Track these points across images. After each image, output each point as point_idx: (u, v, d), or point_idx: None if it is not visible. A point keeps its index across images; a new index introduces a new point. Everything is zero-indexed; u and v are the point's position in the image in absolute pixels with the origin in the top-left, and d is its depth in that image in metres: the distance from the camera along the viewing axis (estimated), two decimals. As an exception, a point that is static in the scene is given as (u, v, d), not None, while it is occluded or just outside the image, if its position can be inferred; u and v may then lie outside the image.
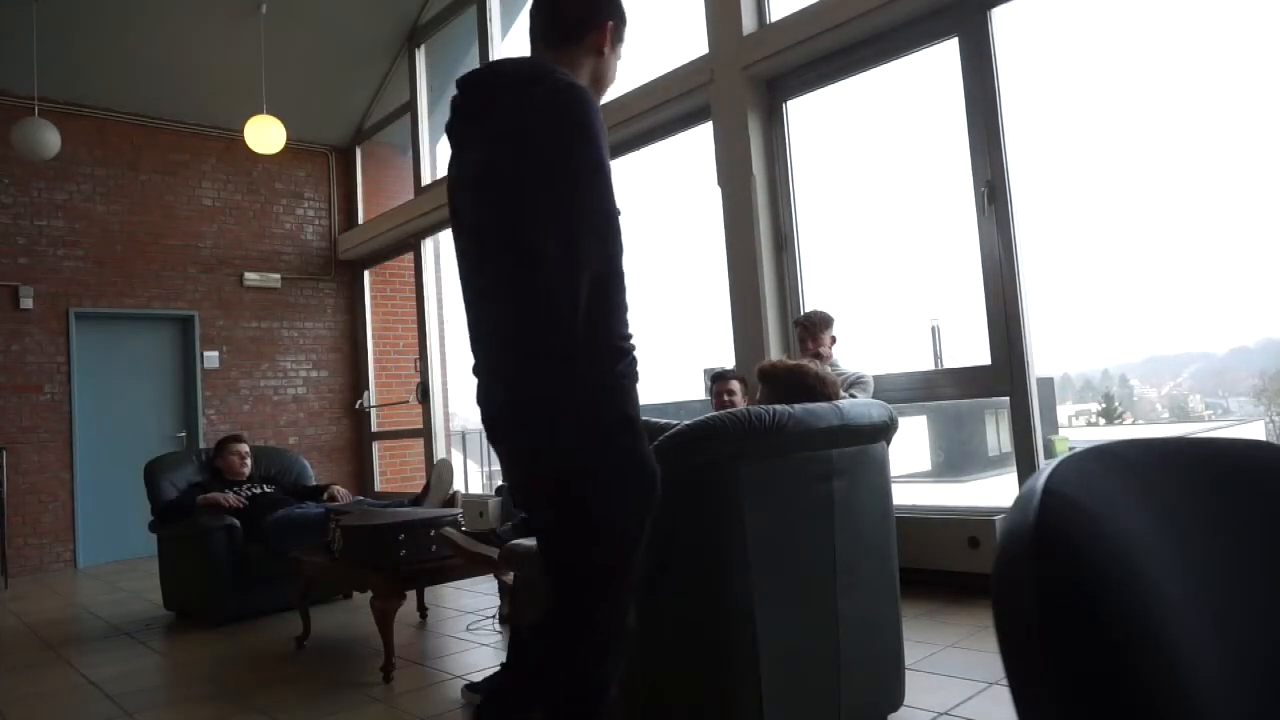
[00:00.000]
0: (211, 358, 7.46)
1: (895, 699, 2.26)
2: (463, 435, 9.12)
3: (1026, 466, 3.71)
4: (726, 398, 4.02)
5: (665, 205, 6.62)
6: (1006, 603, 0.49)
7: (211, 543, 4.13)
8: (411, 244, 7.72)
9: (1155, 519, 0.53)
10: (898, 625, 2.28)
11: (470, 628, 3.79)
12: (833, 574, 2.05)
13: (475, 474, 9.40)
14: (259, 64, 6.65)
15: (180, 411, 7.40)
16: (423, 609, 4.08)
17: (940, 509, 3.93)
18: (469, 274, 1.58)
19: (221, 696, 3.03)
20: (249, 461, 4.70)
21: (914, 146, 4.58)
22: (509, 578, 3.02)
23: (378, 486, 8.15)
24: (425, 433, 7.64)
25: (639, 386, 1.59)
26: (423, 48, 7.62)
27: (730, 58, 4.70)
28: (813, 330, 3.94)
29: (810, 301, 4.58)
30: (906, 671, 2.33)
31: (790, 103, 4.72)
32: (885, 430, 2.25)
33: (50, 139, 5.78)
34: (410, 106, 7.67)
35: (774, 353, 4.54)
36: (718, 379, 4.16)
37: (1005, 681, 0.49)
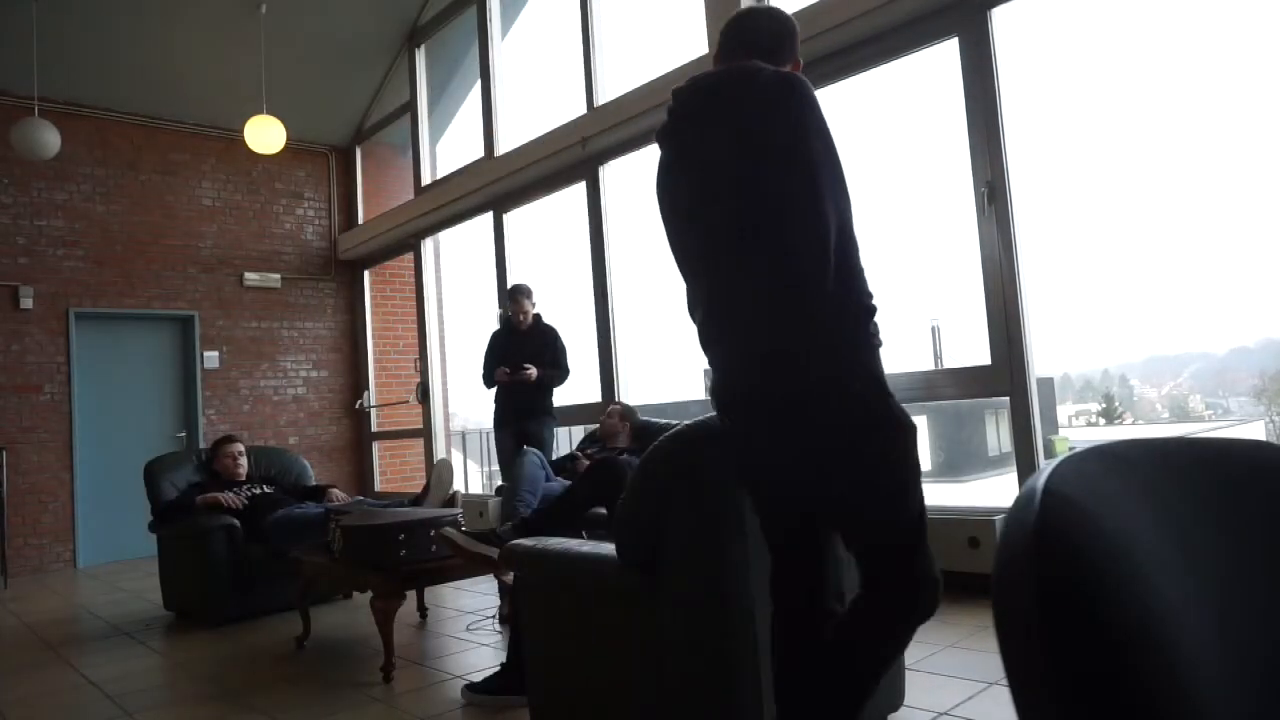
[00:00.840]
0: (211, 358, 7.46)
1: (895, 699, 2.26)
2: (463, 435, 9.13)
3: (1026, 466, 3.71)
4: None
5: (665, 205, 6.61)
6: (1006, 603, 0.49)
7: (211, 543, 4.13)
8: (411, 244, 7.72)
9: (1155, 519, 0.53)
10: (898, 625, 2.28)
11: (470, 628, 3.79)
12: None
13: (475, 474, 9.41)
14: (259, 64, 6.66)
15: (180, 411, 7.41)
16: (423, 609, 4.08)
17: (940, 509, 3.93)
18: (713, 252, 1.64)
19: (221, 696, 3.03)
20: (244, 461, 4.70)
21: (914, 147, 4.58)
22: (509, 578, 3.02)
23: (378, 486, 8.15)
24: (425, 433, 7.64)
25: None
26: (423, 48, 7.62)
27: (730, 58, 4.69)
28: None
29: (810, 301, 4.57)
30: (906, 671, 2.33)
31: (790, 103, 4.72)
32: (885, 430, 2.24)
33: (50, 139, 5.78)
34: (410, 106, 7.67)
35: (774, 353, 4.54)
36: (717, 379, 4.15)
37: (1005, 681, 0.49)
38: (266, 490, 4.56)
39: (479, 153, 6.78)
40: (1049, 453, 4.04)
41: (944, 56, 4.09)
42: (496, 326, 5.47)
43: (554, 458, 4.66)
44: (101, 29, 6.45)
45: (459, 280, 8.07)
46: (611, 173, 5.84)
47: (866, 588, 1.62)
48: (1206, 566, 0.54)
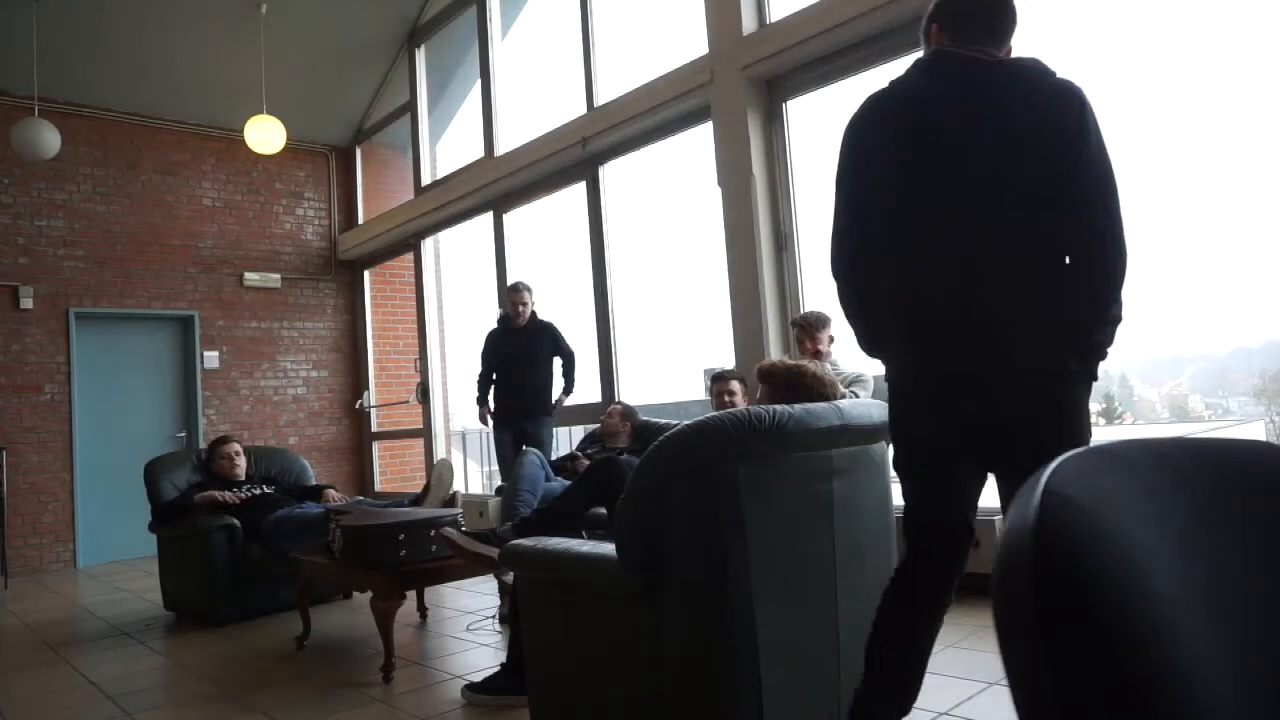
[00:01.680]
0: (211, 358, 7.46)
1: (895, 699, 2.26)
2: (463, 435, 9.12)
3: (1026, 466, 3.69)
4: (727, 398, 4.01)
5: (665, 205, 6.62)
6: (1006, 603, 0.49)
7: (211, 543, 4.13)
8: (411, 244, 7.72)
9: (1155, 519, 0.53)
10: (898, 625, 2.28)
11: (470, 628, 3.79)
12: (833, 574, 2.05)
13: (475, 474, 9.40)
14: (259, 64, 6.65)
15: (180, 411, 7.40)
16: (423, 609, 4.08)
17: (940, 509, 3.92)
18: (1040, 220, 1.69)
19: (221, 696, 3.03)
20: (242, 461, 4.70)
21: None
22: (509, 578, 3.02)
23: (378, 486, 8.15)
24: (425, 433, 7.64)
25: None
26: (423, 48, 7.62)
27: (730, 58, 4.70)
28: (810, 330, 3.93)
29: (810, 301, 4.58)
30: (906, 671, 2.33)
31: (790, 103, 4.72)
32: (885, 430, 2.25)
33: (50, 139, 5.78)
34: (410, 106, 7.67)
35: (774, 353, 4.54)
36: (718, 379, 4.15)
37: (1005, 681, 0.49)
38: (266, 490, 4.56)
39: (479, 153, 6.78)
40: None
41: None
42: (494, 326, 5.47)
43: (553, 458, 4.66)
44: (101, 29, 6.45)
45: (459, 280, 8.08)
46: (611, 173, 5.84)
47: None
48: (1206, 566, 0.54)
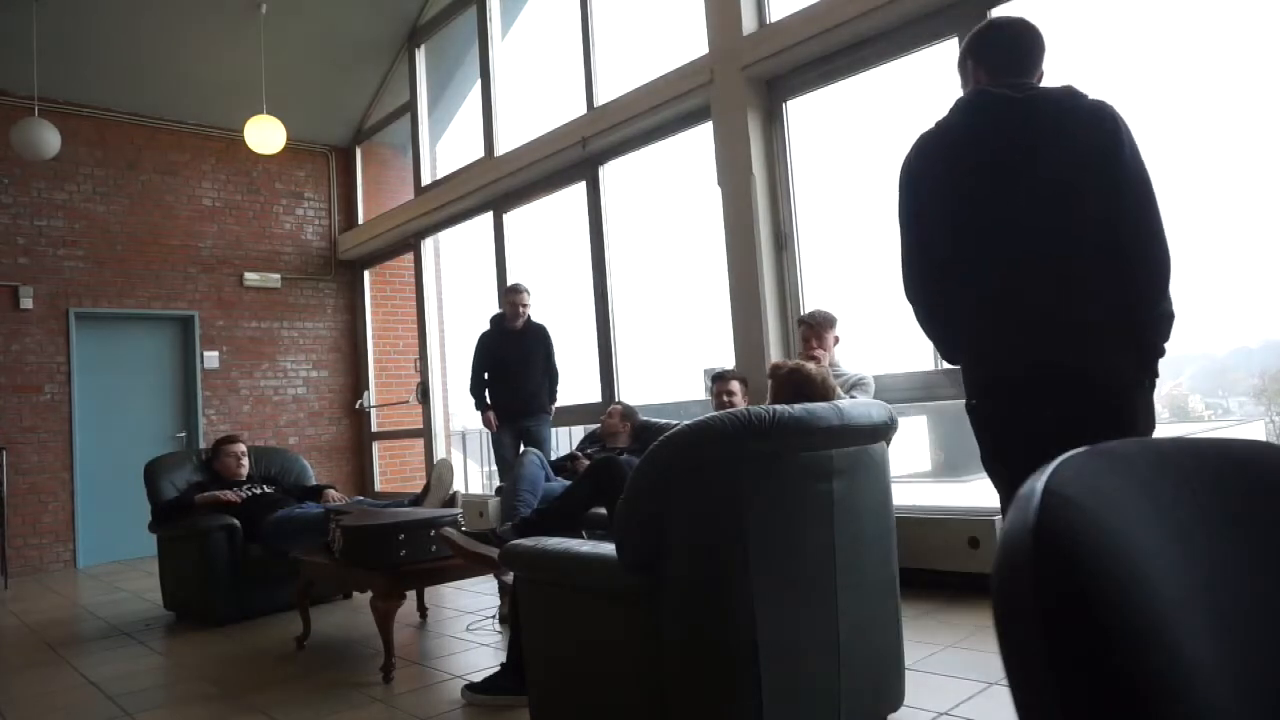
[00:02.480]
0: (211, 358, 7.46)
1: (895, 699, 2.26)
2: (463, 435, 9.12)
3: (1026, 466, 3.70)
4: (726, 398, 4.02)
5: (665, 205, 6.62)
6: (1006, 603, 0.49)
7: (211, 543, 4.13)
8: (411, 244, 7.72)
9: (1155, 519, 0.53)
10: (898, 625, 2.28)
11: (470, 628, 3.79)
12: (833, 574, 2.05)
13: (475, 474, 9.40)
14: (259, 64, 6.65)
15: (180, 411, 7.40)
16: (423, 609, 4.08)
17: (940, 509, 3.93)
18: (1090, 228, 1.84)
19: (221, 696, 3.03)
20: (246, 462, 4.70)
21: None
22: (509, 578, 3.02)
23: (378, 486, 8.15)
24: (425, 433, 7.64)
25: None
26: (423, 48, 7.62)
27: (730, 58, 4.70)
28: (817, 329, 3.93)
29: (810, 301, 4.58)
30: (906, 671, 2.33)
31: (790, 103, 4.72)
32: (885, 430, 2.25)
33: (50, 139, 5.78)
34: (410, 106, 7.67)
35: (774, 352, 4.54)
36: (718, 379, 4.15)
37: (1005, 681, 0.49)
38: (266, 490, 4.56)
39: (479, 153, 6.78)
40: (1049, 453, 4.02)
41: (944, 56, 4.09)
42: (485, 329, 5.43)
43: (553, 457, 4.66)
44: (101, 29, 6.45)
45: (459, 280, 8.08)
46: (611, 173, 5.84)
47: None
48: (1207, 566, 0.54)
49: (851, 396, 3.64)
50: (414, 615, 4.04)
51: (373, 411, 8.27)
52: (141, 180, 7.26)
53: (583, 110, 5.80)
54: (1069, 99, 1.89)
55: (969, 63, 2.05)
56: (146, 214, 7.26)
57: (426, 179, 7.52)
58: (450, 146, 7.88)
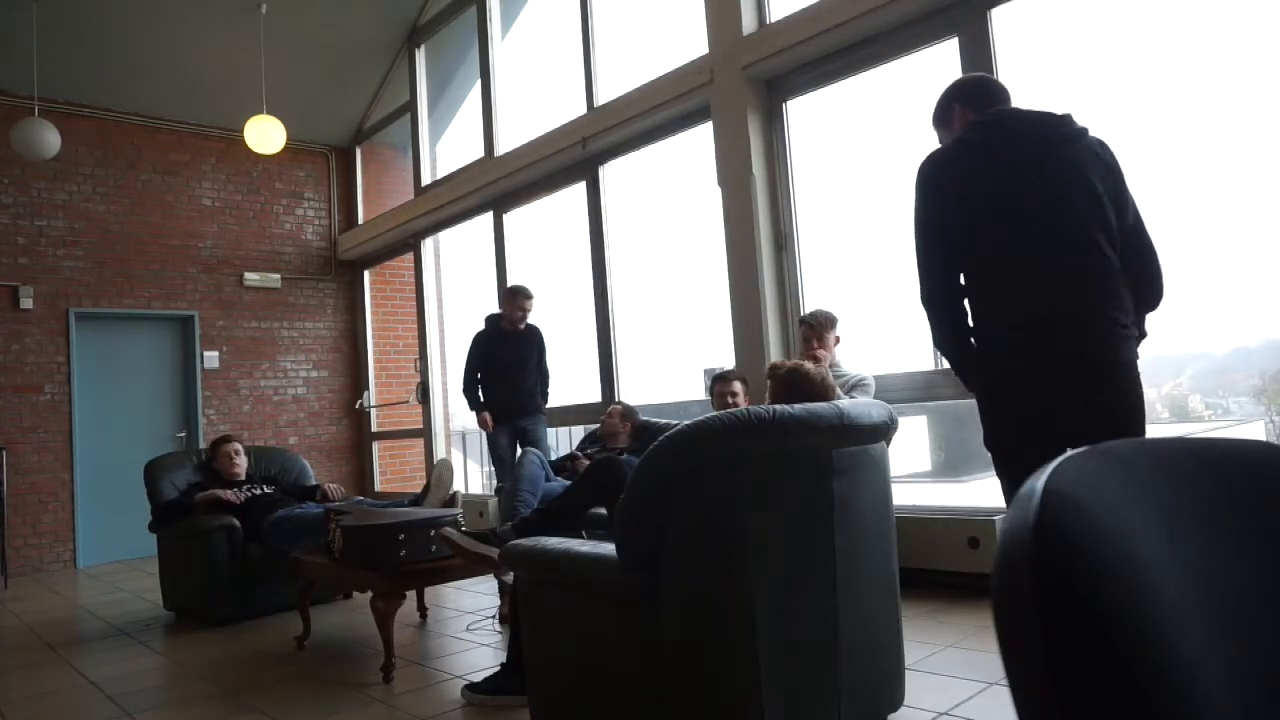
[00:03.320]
0: (211, 358, 7.46)
1: (895, 699, 2.26)
2: (463, 435, 9.12)
3: (1026, 466, 3.69)
4: (730, 399, 4.01)
5: (665, 205, 6.63)
6: (1006, 603, 0.49)
7: (211, 543, 4.13)
8: (411, 244, 7.72)
9: (1155, 519, 0.53)
10: (898, 625, 2.28)
11: (470, 628, 3.79)
12: (833, 574, 2.05)
13: (475, 474, 9.39)
14: (259, 64, 6.65)
15: (180, 411, 7.40)
16: (423, 609, 4.08)
17: (940, 509, 3.93)
18: (1097, 231, 2.06)
19: (221, 696, 3.03)
20: (242, 459, 4.70)
21: (914, 146, 4.57)
22: (509, 578, 3.02)
23: (378, 486, 8.15)
24: (425, 433, 7.64)
25: None
26: (423, 48, 7.62)
27: (730, 58, 4.70)
28: (818, 330, 3.93)
29: (810, 301, 4.58)
30: (906, 671, 2.33)
31: (790, 103, 4.72)
32: (885, 430, 2.25)
33: (50, 139, 5.78)
34: (410, 107, 7.67)
35: (774, 352, 4.54)
36: (718, 379, 4.15)
37: (1005, 681, 0.49)
38: (266, 490, 4.56)
39: (479, 153, 6.78)
40: (1049, 453, 4.02)
41: (944, 56, 4.08)
42: (481, 329, 5.41)
43: (552, 457, 4.66)
44: (101, 29, 6.45)
45: (459, 280, 8.07)
46: (611, 173, 5.84)
47: None
48: (1206, 567, 0.54)
49: (851, 397, 3.64)
50: (414, 615, 4.04)
51: (373, 411, 8.27)
52: (141, 180, 7.26)
53: (582, 110, 5.80)
54: (1071, 122, 2.13)
55: (955, 107, 2.30)
56: (146, 214, 7.26)
57: (426, 179, 7.52)
58: (450, 146, 7.88)
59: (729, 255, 4.72)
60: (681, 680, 1.92)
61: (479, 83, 6.84)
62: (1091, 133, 2.14)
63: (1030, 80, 3.91)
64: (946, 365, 4.38)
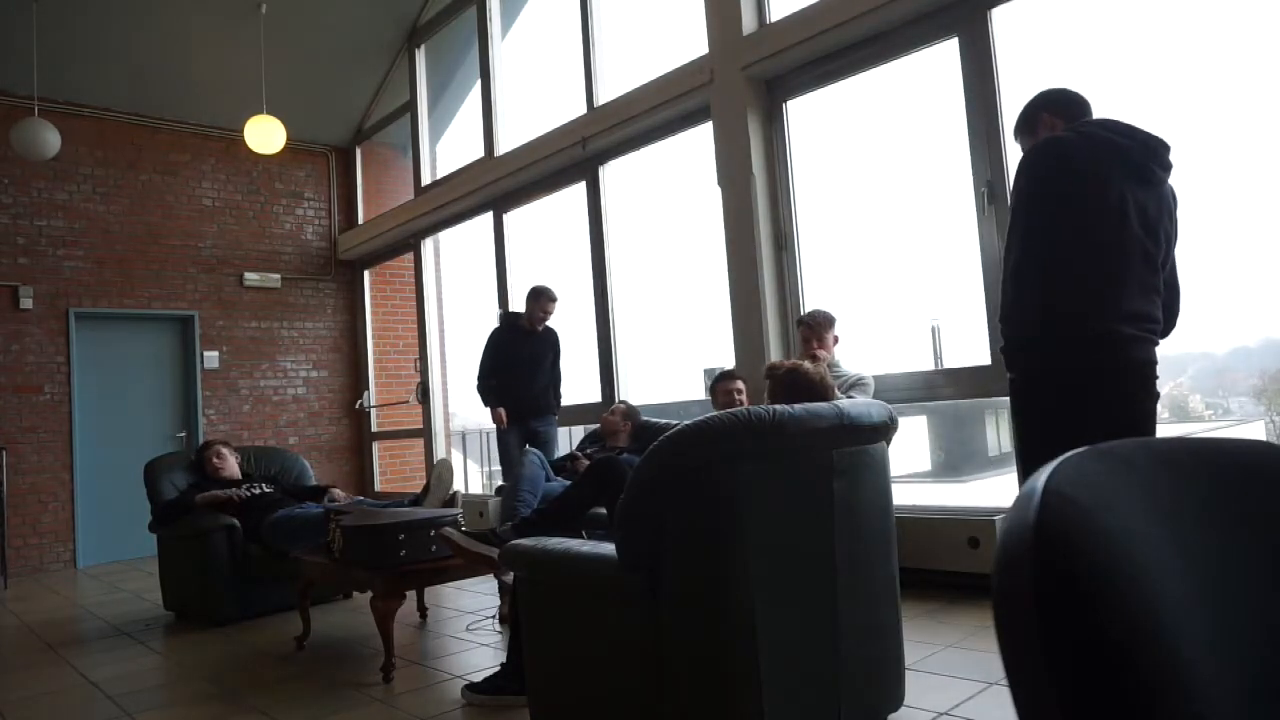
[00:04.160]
0: (211, 358, 7.46)
1: (895, 699, 2.26)
2: (463, 435, 9.12)
3: (1026, 466, 3.70)
4: (735, 397, 4.01)
5: (665, 205, 6.63)
6: (1006, 603, 0.49)
7: (211, 543, 4.13)
8: (411, 244, 7.72)
9: (1155, 519, 0.53)
10: (898, 625, 2.28)
11: (470, 628, 3.79)
12: (833, 574, 2.05)
13: (475, 474, 9.40)
14: (259, 64, 6.65)
15: (180, 411, 7.40)
16: (423, 609, 4.08)
17: (940, 509, 3.93)
18: (1160, 255, 2.30)
19: (221, 696, 3.03)
20: (230, 460, 4.69)
21: (913, 146, 4.57)
22: (509, 578, 3.02)
23: (378, 486, 8.15)
24: (425, 433, 7.64)
25: None
26: (423, 48, 7.62)
27: (730, 58, 4.70)
28: (817, 330, 3.93)
29: (810, 301, 4.58)
30: (906, 671, 2.33)
31: (790, 103, 4.72)
32: (885, 430, 2.25)
33: (50, 139, 5.78)
34: (410, 106, 7.67)
35: (774, 352, 4.54)
36: (719, 379, 4.15)
37: (1005, 681, 0.49)
38: (266, 490, 4.56)
39: (479, 153, 6.78)
40: (1049, 453, 4.02)
41: (944, 56, 4.08)
42: (496, 326, 5.43)
43: (554, 458, 4.66)
44: (101, 29, 6.45)
45: (459, 280, 8.08)
46: (611, 173, 5.84)
47: None
48: (1206, 566, 0.54)
49: (850, 396, 3.63)
50: (414, 615, 4.04)
51: (373, 411, 8.27)
52: (141, 180, 7.26)
53: (583, 110, 5.80)
54: (1170, 153, 2.32)
55: (1043, 115, 2.42)
56: (146, 214, 7.26)
57: (426, 179, 7.52)
58: (450, 146, 7.89)
59: (729, 255, 4.72)
60: (681, 680, 1.92)
61: (479, 83, 6.84)
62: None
63: (1030, 80, 3.91)
64: (947, 365, 4.39)
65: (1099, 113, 2.37)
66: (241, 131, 6.38)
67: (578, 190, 6.01)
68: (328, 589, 4.35)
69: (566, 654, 2.25)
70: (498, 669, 2.78)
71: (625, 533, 2.01)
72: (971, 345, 4.05)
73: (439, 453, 7.54)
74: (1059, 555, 0.47)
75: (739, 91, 4.67)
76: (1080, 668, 0.45)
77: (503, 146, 6.57)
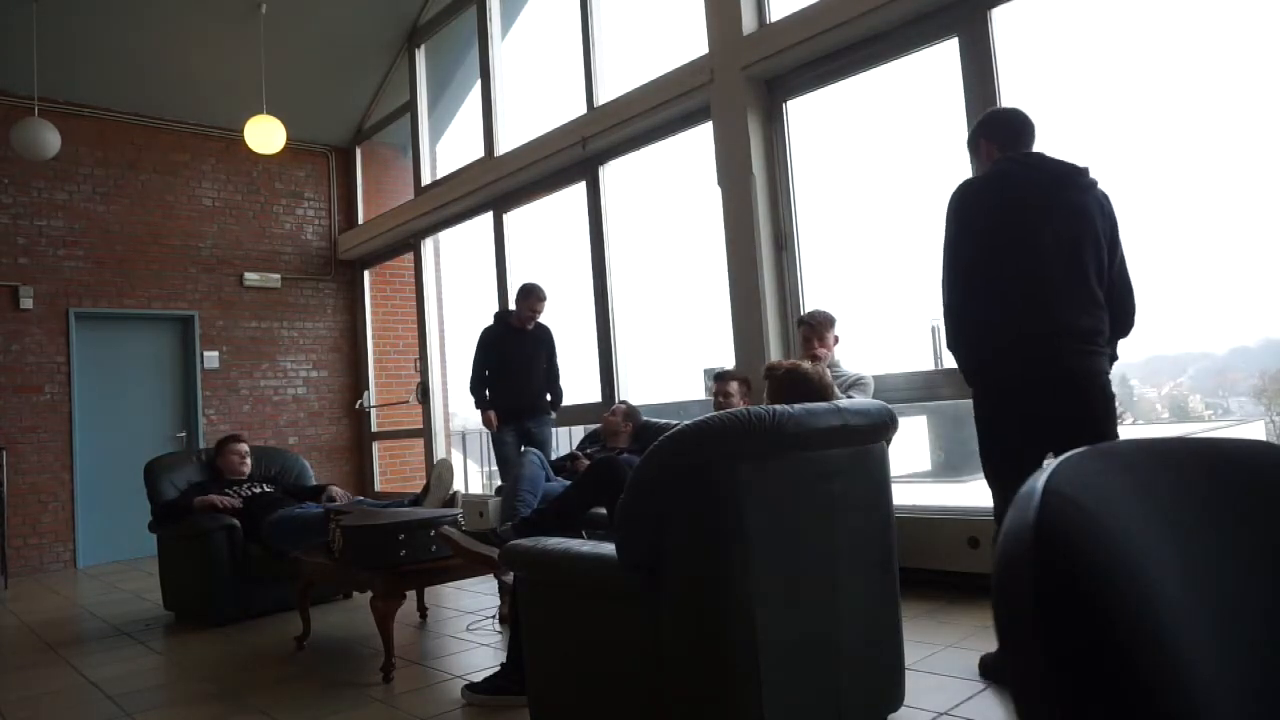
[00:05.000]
0: (211, 358, 7.46)
1: (895, 699, 2.26)
2: (463, 435, 9.12)
3: (1026, 466, 3.70)
4: (733, 398, 4.01)
5: (665, 205, 6.63)
6: (1006, 602, 0.49)
7: (211, 543, 4.13)
8: (411, 244, 7.72)
9: (1155, 519, 0.53)
10: (898, 625, 2.28)
11: (470, 628, 3.79)
12: (832, 573, 2.05)
13: (475, 474, 9.40)
14: (259, 64, 6.65)
15: (180, 411, 7.40)
16: (423, 609, 4.08)
17: (940, 509, 3.93)
18: (1092, 268, 2.47)
19: (221, 696, 3.03)
20: (249, 461, 4.70)
21: (914, 146, 4.57)
22: (509, 578, 3.02)
23: (378, 486, 8.15)
24: (425, 433, 7.64)
25: None
26: (423, 48, 7.62)
27: (730, 58, 4.70)
28: (818, 329, 3.93)
29: (810, 301, 4.58)
30: (906, 671, 2.33)
31: (790, 103, 4.72)
32: (885, 430, 2.25)
33: (50, 139, 5.78)
34: (410, 107, 7.67)
35: (774, 352, 4.54)
36: (719, 379, 4.15)
37: (1005, 681, 0.49)
38: (266, 490, 4.55)
39: (479, 153, 6.78)
40: (1049, 453, 4.02)
41: (944, 56, 4.08)
42: (489, 325, 5.37)
43: (553, 457, 4.65)
44: (101, 29, 6.45)
45: (459, 280, 8.08)
46: (611, 173, 5.84)
47: None
48: (1206, 566, 0.54)
49: (849, 396, 3.64)
50: (414, 615, 4.03)
51: (373, 411, 8.27)
52: (141, 180, 7.26)
53: (582, 110, 5.80)
54: (1088, 174, 2.50)
55: (981, 141, 2.62)
56: (146, 214, 7.26)
57: (426, 179, 7.52)
58: (450, 146, 7.88)
59: (729, 255, 4.72)
60: (681, 680, 1.92)
61: (479, 83, 6.84)
62: (1100, 185, 2.51)
63: (1030, 80, 3.91)
64: (946, 365, 4.39)
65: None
66: (241, 131, 6.38)
67: (578, 190, 6.01)
68: (328, 589, 4.35)
69: (566, 654, 2.25)
70: (498, 669, 2.78)
71: (625, 533, 2.01)
72: (971, 345, 4.03)
73: (439, 453, 7.54)
74: (1059, 555, 0.47)
75: (739, 91, 4.67)
76: (1079, 666, 0.45)
77: (503, 146, 6.57)
